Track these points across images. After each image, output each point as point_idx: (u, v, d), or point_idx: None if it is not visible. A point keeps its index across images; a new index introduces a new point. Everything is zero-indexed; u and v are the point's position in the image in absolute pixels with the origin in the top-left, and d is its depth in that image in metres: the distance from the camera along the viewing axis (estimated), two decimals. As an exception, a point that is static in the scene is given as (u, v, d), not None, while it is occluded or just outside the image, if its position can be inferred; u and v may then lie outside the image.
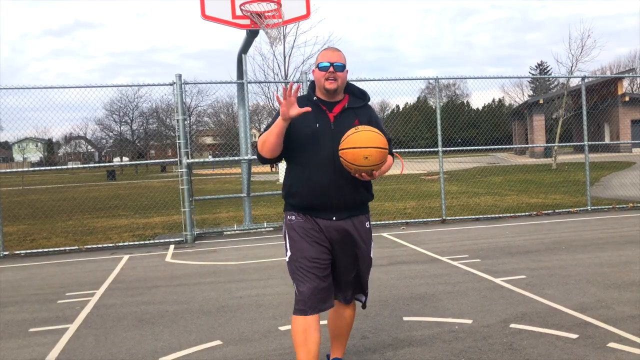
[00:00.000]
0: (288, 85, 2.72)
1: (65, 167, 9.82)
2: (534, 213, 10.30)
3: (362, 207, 3.02)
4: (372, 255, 3.09)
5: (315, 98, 2.96)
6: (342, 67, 2.91)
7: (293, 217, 2.98)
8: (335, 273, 3.02)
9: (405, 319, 4.33)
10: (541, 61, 73.27)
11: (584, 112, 10.78)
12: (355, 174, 2.78)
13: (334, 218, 2.92)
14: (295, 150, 2.92)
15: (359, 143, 2.70)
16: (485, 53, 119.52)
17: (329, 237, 2.93)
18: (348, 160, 2.73)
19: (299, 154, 2.92)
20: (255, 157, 8.94)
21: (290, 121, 2.78)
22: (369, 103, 3.07)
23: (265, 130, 2.91)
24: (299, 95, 3.00)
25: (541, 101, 39.41)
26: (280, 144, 2.85)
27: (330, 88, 2.89)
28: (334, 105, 2.97)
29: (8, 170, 11.16)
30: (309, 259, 2.87)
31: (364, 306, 3.25)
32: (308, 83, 9.21)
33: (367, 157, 2.70)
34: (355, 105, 3.00)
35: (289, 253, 2.96)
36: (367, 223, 3.05)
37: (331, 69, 2.87)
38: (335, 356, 3.26)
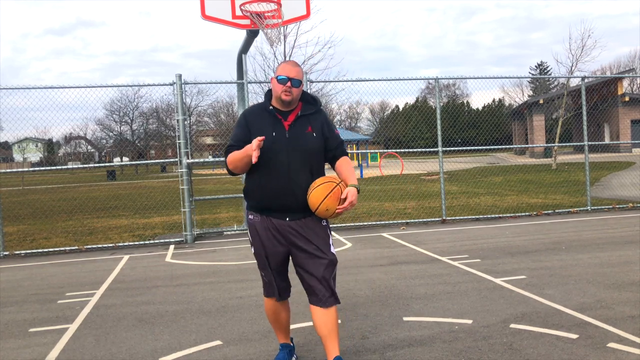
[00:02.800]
0: (258, 142, 2.98)
1: (65, 167, 9.81)
2: (534, 213, 10.30)
3: None
4: (333, 251, 3.24)
5: (271, 107, 3.22)
6: (299, 84, 3.18)
7: (252, 217, 3.28)
8: (300, 273, 3.23)
9: (405, 319, 4.33)
10: (541, 61, 73.34)
11: (584, 112, 10.78)
12: (337, 212, 3.13)
13: (287, 219, 3.18)
14: None
15: (314, 204, 3.11)
16: (488, 52, 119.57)
17: (284, 235, 3.19)
18: (322, 215, 3.15)
19: (257, 161, 3.06)
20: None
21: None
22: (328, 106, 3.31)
23: (232, 146, 3.19)
24: (254, 103, 3.40)
25: (541, 101, 39.46)
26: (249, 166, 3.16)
27: (285, 99, 3.16)
28: (289, 114, 3.22)
29: (8, 170, 11.16)
30: (267, 255, 3.23)
31: (336, 302, 3.25)
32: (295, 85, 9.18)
33: (327, 209, 3.11)
34: (308, 112, 3.25)
35: (252, 248, 3.32)
36: (324, 221, 3.26)
37: (289, 83, 3.14)
38: (334, 356, 3.15)
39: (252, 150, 2.99)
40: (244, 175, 3.38)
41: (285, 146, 3.14)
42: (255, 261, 3.36)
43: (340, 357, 3.17)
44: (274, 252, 3.22)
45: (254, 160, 2.98)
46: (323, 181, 3.13)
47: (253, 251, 3.32)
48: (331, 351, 3.17)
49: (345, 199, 3.08)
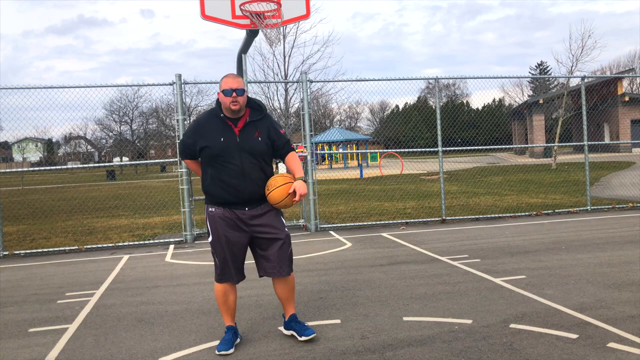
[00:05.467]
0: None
1: (65, 167, 9.80)
2: (534, 213, 10.30)
3: None
4: (286, 229, 3.87)
5: (222, 115, 3.73)
6: (243, 92, 3.68)
7: (214, 209, 3.77)
8: (258, 251, 3.84)
9: (405, 319, 4.33)
10: (541, 61, 73.28)
11: (584, 112, 10.78)
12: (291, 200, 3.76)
13: (247, 209, 3.74)
14: (209, 159, 3.70)
15: (276, 200, 3.74)
16: (492, 52, 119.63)
17: (246, 222, 3.73)
18: (280, 207, 3.82)
19: (212, 162, 3.69)
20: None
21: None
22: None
23: (184, 149, 3.87)
24: (208, 109, 3.96)
25: (541, 101, 39.43)
26: None
27: (234, 109, 3.67)
28: (238, 120, 3.74)
29: (8, 170, 11.15)
30: (226, 242, 3.72)
31: (289, 273, 3.92)
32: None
33: (286, 204, 3.77)
34: (255, 118, 3.77)
35: (211, 237, 3.79)
36: None
37: (234, 94, 3.63)
38: (290, 314, 3.99)
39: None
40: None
41: (237, 149, 3.67)
42: (212, 247, 3.81)
43: (295, 314, 4.01)
44: (237, 239, 3.74)
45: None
46: (283, 182, 3.73)
47: (211, 240, 3.79)
48: (289, 310, 4.00)
49: (294, 192, 3.69)
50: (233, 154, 3.66)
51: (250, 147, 3.70)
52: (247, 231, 3.75)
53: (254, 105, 3.81)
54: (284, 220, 3.90)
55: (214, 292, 3.88)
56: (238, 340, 3.91)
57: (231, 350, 3.76)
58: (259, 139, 3.74)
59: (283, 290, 3.97)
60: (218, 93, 3.72)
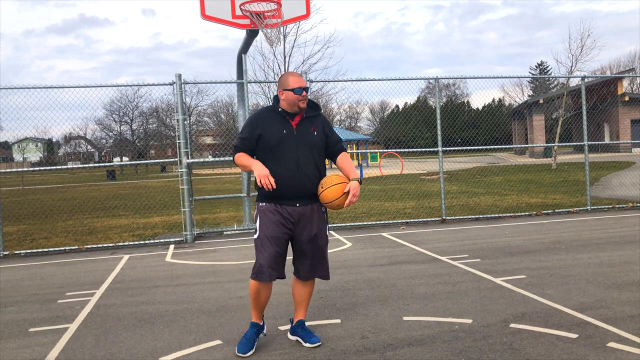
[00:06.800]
0: (272, 183, 3.57)
1: (65, 167, 9.79)
2: (534, 213, 10.30)
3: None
4: (327, 234, 3.91)
5: (280, 109, 3.78)
6: (308, 90, 3.81)
7: (264, 204, 3.76)
8: (298, 250, 3.82)
9: (405, 319, 4.33)
10: (541, 61, 73.28)
11: (584, 112, 10.78)
12: (343, 202, 3.68)
13: (298, 205, 3.72)
14: (267, 152, 3.72)
15: (330, 199, 3.67)
16: (494, 51, 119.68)
17: (293, 219, 3.71)
18: (332, 208, 3.71)
19: (270, 155, 3.71)
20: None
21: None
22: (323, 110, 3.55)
23: (241, 143, 3.79)
24: (265, 106, 3.98)
25: (541, 101, 39.43)
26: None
27: (303, 107, 3.75)
28: (295, 115, 3.79)
29: (8, 170, 11.15)
30: (272, 239, 3.67)
31: (327, 278, 3.96)
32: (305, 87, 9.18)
33: (339, 204, 3.69)
34: (311, 114, 3.84)
35: (257, 232, 3.74)
36: (323, 207, 3.85)
37: (304, 93, 3.72)
38: (298, 319, 3.97)
39: (264, 176, 3.56)
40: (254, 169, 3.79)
41: (294, 142, 3.71)
42: (256, 243, 3.75)
43: (303, 320, 3.97)
44: (281, 236, 3.70)
45: (266, 188, 3.59)
46: (339, 181, 3.70)
47: (257, 236, 3.73)
48: (298, 315, 3.98)
49: (348, 192, 3.62)
50: (290, 146, 3.69)
51: (306, 140, 3.75)
52: (291, 229, 3.73)
53: (310, 104, 3.89)
54: (327, 227, 3.92)
55: (249, 287, 3.82)
56: (260, 335, 3.91)
57: (250, 353, 3.71)
58: (315, 133, 3.80)
59: (301, 293, 3.95)
60: (281, 91, 3.75)
